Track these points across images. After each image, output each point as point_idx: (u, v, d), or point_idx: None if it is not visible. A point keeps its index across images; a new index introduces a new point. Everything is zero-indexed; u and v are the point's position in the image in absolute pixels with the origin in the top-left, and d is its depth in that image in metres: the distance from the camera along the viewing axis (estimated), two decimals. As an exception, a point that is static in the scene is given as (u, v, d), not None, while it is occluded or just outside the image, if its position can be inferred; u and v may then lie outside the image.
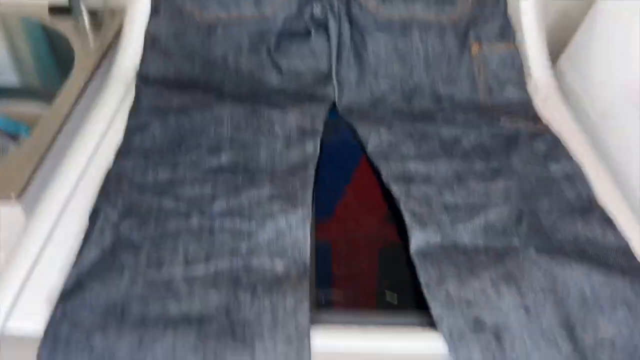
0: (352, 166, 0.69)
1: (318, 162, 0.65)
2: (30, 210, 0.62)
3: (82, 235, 0.55)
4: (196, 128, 0.68)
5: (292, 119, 0.71)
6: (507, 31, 0.80)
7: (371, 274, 0.56)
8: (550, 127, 0.71)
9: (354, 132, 0.72)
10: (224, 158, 0.64)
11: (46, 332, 0.47)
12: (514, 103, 0.76)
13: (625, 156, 0.69)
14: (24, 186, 0.65)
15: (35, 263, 0.53)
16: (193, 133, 0.67)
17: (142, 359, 0.45)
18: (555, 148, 0.67)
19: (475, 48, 0.78)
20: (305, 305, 0.50)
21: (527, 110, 0.75)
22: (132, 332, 0.47)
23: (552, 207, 0.59)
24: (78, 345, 0.46)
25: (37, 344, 0.46)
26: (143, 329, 0.47)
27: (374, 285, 0.55)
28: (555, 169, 0.64)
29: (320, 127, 0.70)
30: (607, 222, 0.57)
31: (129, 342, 0.46)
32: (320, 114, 0.72)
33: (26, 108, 0.97)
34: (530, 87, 0.78)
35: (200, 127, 0.68)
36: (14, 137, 0.81)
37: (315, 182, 0.62)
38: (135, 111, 0.70)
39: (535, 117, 0.73)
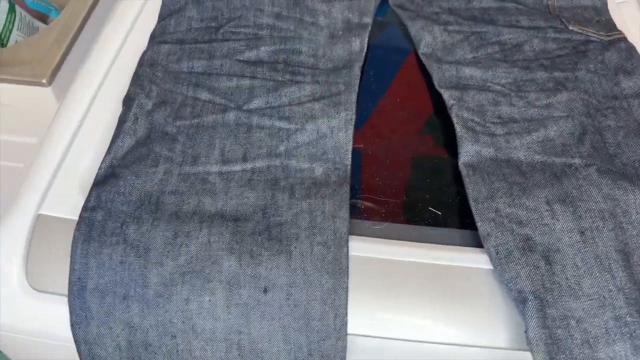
0: (395, 68, 0.63)
1: (364, 62, 0.60)
2: (61, 94, 0.60)
3: (114, 123, 0.53)
4: (234, 14, 0.63)
5: (337, 10, 0.64)
6: None
7: (401, 184, 0.53)
8: (625, 36, 0.63)
9: (404, 30, 0.66)
10: (263, 50, 0.60)
11: (81, 217, 0.46)
12: (587, 7, 0.68)
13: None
14: (55, 70, 0.62)
15: (67, 149, 0.52)
16: (231, 20, 0.62)
17: (175, 253, 0.44)
18: (629, 60, 0.60)
19: None
20: (345, 211, 0.47)
21: (600, 17, 0.67)
22: (166, 225, 0.46)
23: (618, 127, 0.54)
24: (113, 233, 0.45)
25: (70, 227, 0.45)
26: (177, 223, 0.46)
27: (404, 197, 0.52)
28: (627, 84, 0.58)
29: (369, 21, 0.64)
30: (680, 146, 0.52)
31: (163, 235, 0.45)
32: (369, 7, 0.66)
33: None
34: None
35: (238, 12, 0.63)
36: (42, 17, 0.77)
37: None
38: (169, -7, 0.65)
39: (609, 25, 0.65)
